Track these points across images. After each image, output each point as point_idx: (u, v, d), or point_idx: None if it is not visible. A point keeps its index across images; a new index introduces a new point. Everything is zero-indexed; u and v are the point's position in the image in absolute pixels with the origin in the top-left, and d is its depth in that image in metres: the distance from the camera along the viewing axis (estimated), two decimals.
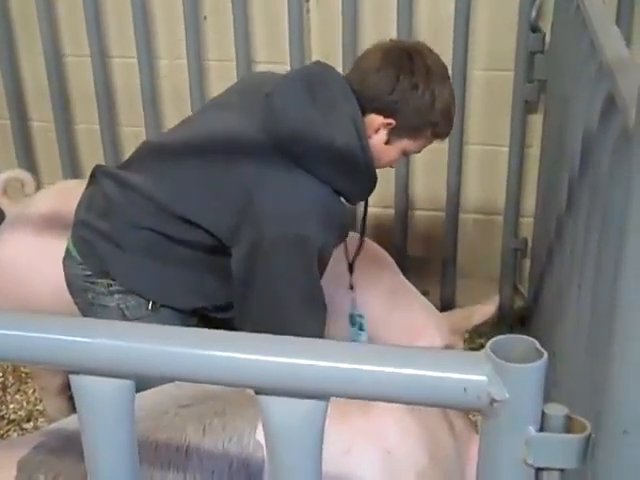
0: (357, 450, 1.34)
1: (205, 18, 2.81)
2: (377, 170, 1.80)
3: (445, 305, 2.93)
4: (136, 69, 2.85)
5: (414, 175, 2.83)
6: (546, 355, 0.70)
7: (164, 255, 1.79)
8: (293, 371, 0.75)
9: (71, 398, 2.49)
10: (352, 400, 1.30)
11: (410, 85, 1.72)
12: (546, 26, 2.54)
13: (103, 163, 2.95)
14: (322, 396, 0.76)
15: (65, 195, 2.29)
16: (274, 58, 2.78)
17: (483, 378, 0.70)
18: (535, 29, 2.55)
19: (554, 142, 2.28)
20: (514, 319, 2.84)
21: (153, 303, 1.80)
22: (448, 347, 2.20)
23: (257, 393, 0.78)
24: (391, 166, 1.89)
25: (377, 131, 1.76)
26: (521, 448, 0.71)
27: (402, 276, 2.28)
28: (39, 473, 1.23)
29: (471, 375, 0.70)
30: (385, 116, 1.74)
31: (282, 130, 1.70)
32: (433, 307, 2.26)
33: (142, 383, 0.84)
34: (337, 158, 1.71)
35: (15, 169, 2.60)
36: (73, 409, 2.52)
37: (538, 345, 0.71)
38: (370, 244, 2.22)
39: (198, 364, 0.77)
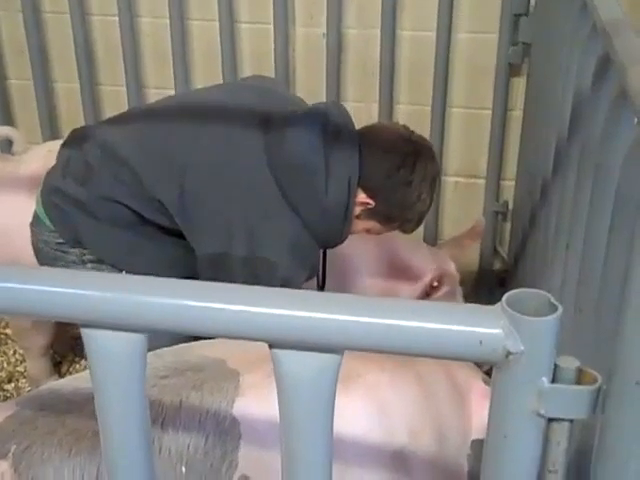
0: (351, 407, 1.35)
1: None
2: None
3: None
4: (117, 28, 2.80)
5: None
6: (561, 308, 0.71)
7: (139, 231, 1.81)
8: (307, 324, 0.75)
9: (53, 359, 2.49)
10: (347, 359, 1.33)
11: (406, 181, 1.79)
12: None
13: (82, 122, 2.92)
14: (336, 350, 0.77)
15: (55, 156, 2.27)
16: (257, 18, 2.75)
17: (499, 331, 0.71)
18: None
19: (539, 104, 2.29)
20: (494, 281, 2.86)
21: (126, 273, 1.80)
22: (445, 274, 2.24)
23: (271, 347, 0.78)
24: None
25: (355, 204, 1.80)
26: (533, 399, 0.73)
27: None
28: (11, 443, 1.23)
29: (487, 328, 0.71)
30: (368, 195, 1.79)
31: (286, 162, 1.74)
32: (421, 242, 2.33)
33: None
34: (323, 207, 1.76)
35: (3, 127, 2.56)
36: (55, 370, 2.52)
37: (553, 299, 0.72)
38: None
39: (212, 318, 0.77)
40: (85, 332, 0.80)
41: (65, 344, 2.67)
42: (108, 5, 2.79)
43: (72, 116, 2.98)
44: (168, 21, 2.76)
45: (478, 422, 1.45)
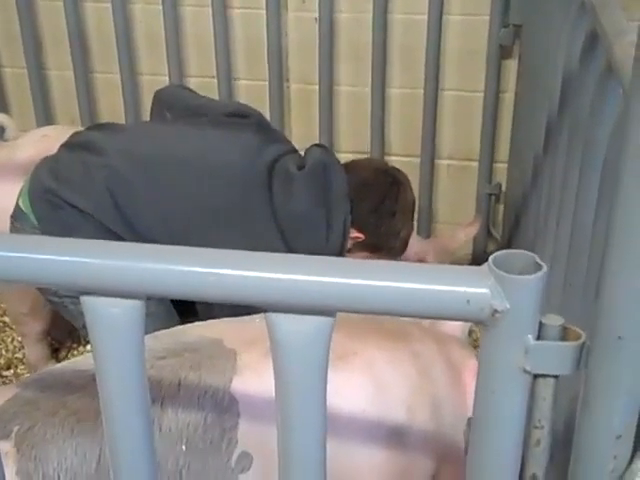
0: (348, 384, 1.37)
1: None
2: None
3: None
4: (110, 14, 2.81)
5: (389, 121, 2.85)
6: (545, 267, 0.73)
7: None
8: (300, 288, 0.77)
9: (51, 345, 2.51)
10: (344, 337, 1.34)
11: (390, 211, 1.97)
12: None
13: (76, 109, 2.94)
14: (328, 312, 0.79)
15: (49, 141, 2.29)
16: (250, 4, 2.77)
17: (485, 290, 0.73)
18: None
19: (530, 85, 2.31)
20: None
21: None
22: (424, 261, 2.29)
23: (265, 311, 0.81)
24: None
25: (348, 237, 1.93)
26: (520, 356, 0.75)
27: None
28: (13, 424, 1.24)
29: (474, 288, 0.74)
30: (357, 230, 1.94)
31: (291, 217, 1.87)
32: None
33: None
34: (323, 253, 1.85)
35: None
36: (53, 356, 2.54)
37: (538, 259, 0.74)
38: None
39: (207, 282, 0.79)
40: (84, 299, 0.82)
41: (63, 330, 2.69)
42: None
43: (66, 103, 2.99)
44: (161, 7, 2.77)
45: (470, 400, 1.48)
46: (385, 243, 2.00)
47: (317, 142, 2.37)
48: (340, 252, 1.91)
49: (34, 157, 2.22)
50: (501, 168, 2.86)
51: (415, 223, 2.91)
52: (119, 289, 0.81)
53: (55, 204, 1.86)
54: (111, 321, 0.83)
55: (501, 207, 2.93)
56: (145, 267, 0.80)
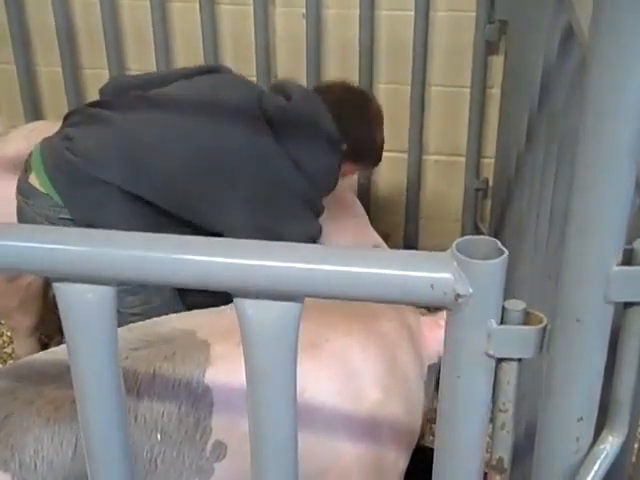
0: (320, 373, 1.39)
1: None
2: None
3: (407, 246, 2.99)
4: (98, 10, 2.82)
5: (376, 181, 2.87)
6: (507, 253, 0.75)
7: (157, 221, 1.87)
8: (267, 273, 0.79)
9: (40, 340, 2.51)
10: (314, 324, 1.36)
11: (366, 121, 2.13)
12: None
13: (65, 105, 2.94)
14: (296, 297, 0.80)
15: (38, 135, 2.29)
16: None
17: (449, 275, 0.75)
18: None
19: (515, 81, 2.32)
20: None
21: None
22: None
23: (234, 296, 0.82)
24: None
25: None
26: (483, 340, 0.77)
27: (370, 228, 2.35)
28: None
29: (438, 273, 0.75)
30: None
31: (299, 144, 1.96)
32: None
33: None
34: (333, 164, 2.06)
35: None
36: (42, 350, 2.53)
37: (499, 244, 0.76)
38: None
39: (177, 268, 0.80)
40: (57, 286, 0.83)
41: (52, 325, 2.69)
42: None
43: (55, 99, 3.00)
44: (148, 3, 2.78)
45: (430, 349, 1.51)
46: (365, 152, 2.16)
47: None
48: (339, 166, 2.05)
49: (24, 151, 2.23)
50: (488, 163, 2.88)
51: (403, 218, 2.96)
52: (91, 275, 0.82)
53: (80, 181, 1.84)
54: (83, 306, 0.84)
55: (488, 202, 2.94)
56: (115, 253, 0.81)
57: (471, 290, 0.74)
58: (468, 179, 2.89)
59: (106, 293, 0.83)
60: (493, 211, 2.81)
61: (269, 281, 0.79)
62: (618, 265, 0.70)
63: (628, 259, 0.73)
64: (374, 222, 2.49)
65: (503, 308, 0.77)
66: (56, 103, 3.00)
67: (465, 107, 2.78)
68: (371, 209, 2.89)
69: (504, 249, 0.75)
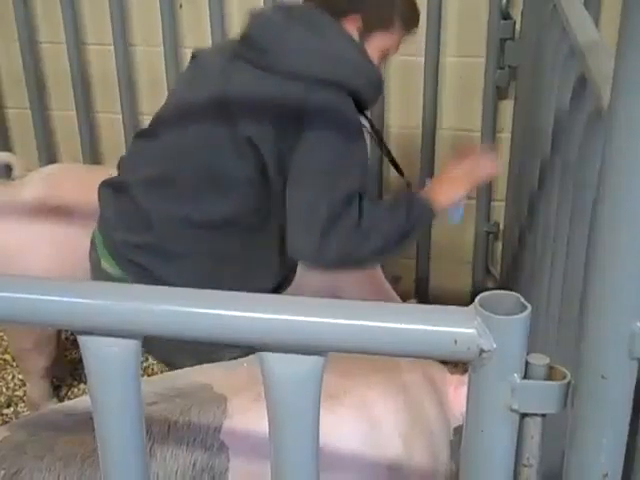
0: (341, 426, 1.38)
1: (181, 6, 2.84)
2: None
3: (419, 288, 2.99)
4: (112, 56, 2.86)
5: (385, 160, 2.87)
6: (530, 308, 0.75)
7: (210, 249, 1.77)
8: (292, 328, 0.79)
9: (53, 383, 2.51)
10: (334, 376, 1.36)
11: None
12: (517, 13, 2.60)
13: (79, 148, 2.98)
14: (320, 351, 0.81)
15: (55, 179, 2.33)
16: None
17: (472, 330, 0.75)
18: (506, 16, 2.61)
19: (525, 126, 2.34)
20: None
21: None
22: None
23: (258, 350, 0.82)
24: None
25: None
26: (507, 395, 0.77)
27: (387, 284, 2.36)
28: (0, 468, 1.25)
29: (461, 328, 0.76)
30: (351, 15, 1.75)
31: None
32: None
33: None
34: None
35: (2, 152, 2.61)
36: (54, 394, 2.54)
37: (522, 299, 0.76)
38: None
39: (202, 323, 0.81)
40: (82, 339, 0.84)
41: (64, 368, 2.70)
42: (103, 35, 2.86)
43: (69, 143, 3.04)
44: (162, 49, 2.82)
45: (457, 410, 1.49)
46: (386, 10, 1.78)
47: None
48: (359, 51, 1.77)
49: (40, 195, 2.26)
50: (499, 206, 2.89)
51: (414, 260, 2.96)
52: (117, 329, 0.83)
53: (140, 258, 1.79)
54: (109, 360, 0.85)
55: (499, 245, 2.95)
56: (140, 307, 0.82)
57: (495, 345, 0.75)
58: (479, 222, 2.90)
59: (131, 347, 0.84)
60: (505, 255, 2.82)
61: (293, 335, 0.79)
62: None
63: None
64: (385, 264, 2.49)
65: (526, 362, 0.77)
66: (70, 146, 3.03)
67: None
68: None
69: (527, 304, 0.76)
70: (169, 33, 2.80)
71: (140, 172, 1.82)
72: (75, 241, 2.26)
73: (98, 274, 1.87)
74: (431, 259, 2.99)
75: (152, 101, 2.94)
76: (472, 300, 2.55)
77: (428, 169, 2.84)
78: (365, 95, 1.77)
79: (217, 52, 1.88)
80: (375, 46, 1.80)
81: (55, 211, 2.26)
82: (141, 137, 1.90)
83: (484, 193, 2.85)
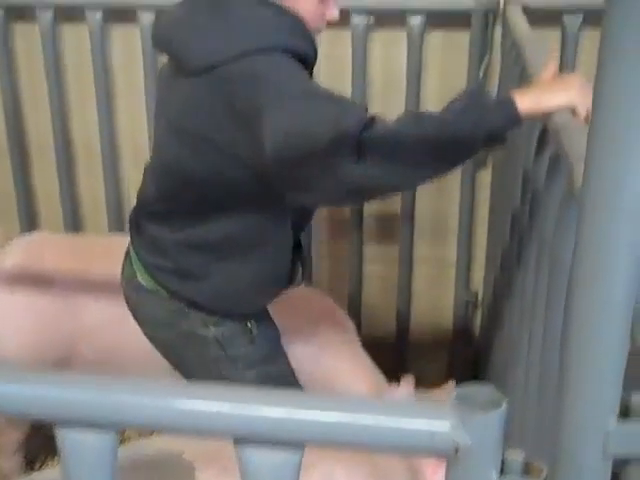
0: None
1: None
2: None
3: (398, 356, 2.98)
4: (95, 124, 2.88)
5: (367, 226, 2.90)
6: (505, 403, 0.76)
7: (223, 252, 1.75)
8: (270, 421, 0.80)
9: (26, 457, 2.47)
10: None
11: None
12: (493, 86, 2.65)
13: (61, 219, 2.98)
14: (297, 445, 0.81)
15: (35, 248, 2.32)
16: None
17: (448, 426, 0.76)
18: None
19: (502, 199, 2.38)
20: (466, 370, 2.90)
21: (246, 326, 1.80)
22: None
23: (235, 443, 0.82)
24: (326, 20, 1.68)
25: None
26: None
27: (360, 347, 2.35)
28: None
29: (437, 423, 0.76)
30: None
31: None
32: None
33: None
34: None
35: None
36: (27, 467, 2.49)
37: (498, 393, 0.77)
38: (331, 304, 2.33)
39: (179, 416, 0.81)
40: (58, 431, 0.84)
41: (38, 442, 2.65)
42: (86, 103, 2.89)
43: (50, 210, 3.04)
44: (145, 124, 2.84)
45: None
46: None
47: None
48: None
49: (20, 264, 2.25)
50: (478, 276, 2.91)
51: (394, 329, 2.96)
52: (93, 421, 0.82)
53: (169, 283, 1.81)
54: (85, 452, 0.84)
55: (479, 313, 2.96)
56: (117, 399, 0.82)
57: (470, 442, 0.75)
58: (458, 291, 2.91)
59: (107, 438, 0.83)
60: (483, 325, 2.83)
61: (271, 429, 0.79)
62: (616, 419, 0.71)
63: (625, 410, 0.74)
64: (364, 336, 2.49)
65: (503, 457, 0.77)
66: (51, 215, 3.04)
67: (454, 219, 2.83)
68: (362, 324, 2.91)
69: (503, 398, 0.76)
70: (153, 101, 2.82)
71: (144, 200, 1.84)
72: (54, 312, 2.25)
73: (132, 287, 1.88)
74: (410, 327, 2.99)
75: (134, 169, 2.97)
76: (452, 370, 2.54)
77: (408, 239, 2.85)
78: (294, 49, 1.57)
79: (167, 66, 1.78)
80: None
81: (35, 280, 2.25)
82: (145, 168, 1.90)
83: (463, 261, 2.87)
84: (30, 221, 3.05)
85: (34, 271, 2.26)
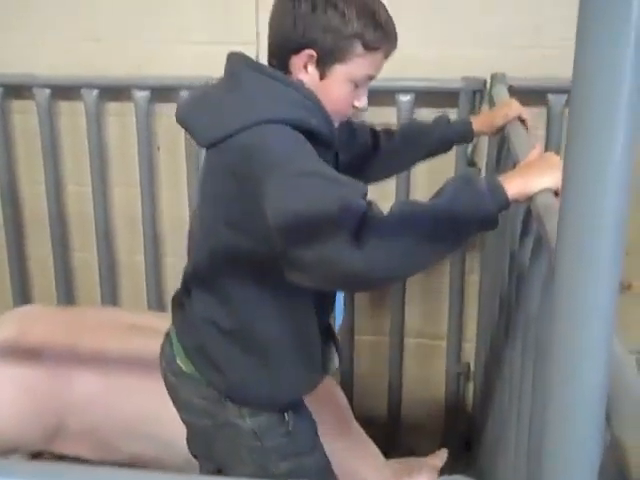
0: None
1: (158, 149, 2.93)
2: None
3: (391, 430, 2.96)
4: (90, 196, 2.92)
5: (359, 300, 2.92)
6: None
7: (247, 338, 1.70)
8: None
9: None
10: None
11: (309, 8, 1.56)
12: (482, 159, 2.70)
13: (54, 290, 3.00)
14: None
15: (27, 321, 2.33)
16: None
17: None
18: (471, 164, 2.71)
19: (491, 274, 2.40)
20: (459, 443, 2.88)
21: (283, 418, 1.74)
22: None
23: None
24: (354, 107, 1.68)
25: (306, 69, 1.60)
26: None
27: (354, 422, 2.34)
28: None
29: None
30: (302, 48, 1.58)
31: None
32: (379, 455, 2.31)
33: None
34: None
35: None
36: None
37: None
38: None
39: None
40: None
41: None
42: (81, 176, 2.93)
43: (43, 283, 3.06)
44: (139, 191, 2.88)
45: None
46: (341, 38, 1.57)
47: None
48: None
49: (12, 337, 2.26)
50: (469, 348, 2.92)
51: (385, 401, 2.95)
52: None
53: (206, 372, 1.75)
54: None
55: (471, 385, 2.95)
56: None
57: None
58: (450, 363, 2.92)
59: None
60: (475, 398, 2.82)
61: None
62: None
63: None
64: (356, 408, 2.49)
65: None
66: (44, 287, 3.05)
67: (445, 291, 2.85)
68: (354, 396, 2.90)
69: None
70: (146, 175, 2.87)
71: (184, 278, 1.81)
72: (44, 386, 2.25)
73: (171, 371, 1.81)
74: (402, 400, 2.99)
75: (128, 241, 3.00)
76: (445, 442, 2.52)
77: (400, 315, 2.87)
78: (308, 126, 1.56)
79: None
80: (336, 81, 1.61)
81: (26, 354, 2.25)
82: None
83: (454, 334, 2.88)
84: (23, 292, 3.07)
85: (25, 344, 2.27)
